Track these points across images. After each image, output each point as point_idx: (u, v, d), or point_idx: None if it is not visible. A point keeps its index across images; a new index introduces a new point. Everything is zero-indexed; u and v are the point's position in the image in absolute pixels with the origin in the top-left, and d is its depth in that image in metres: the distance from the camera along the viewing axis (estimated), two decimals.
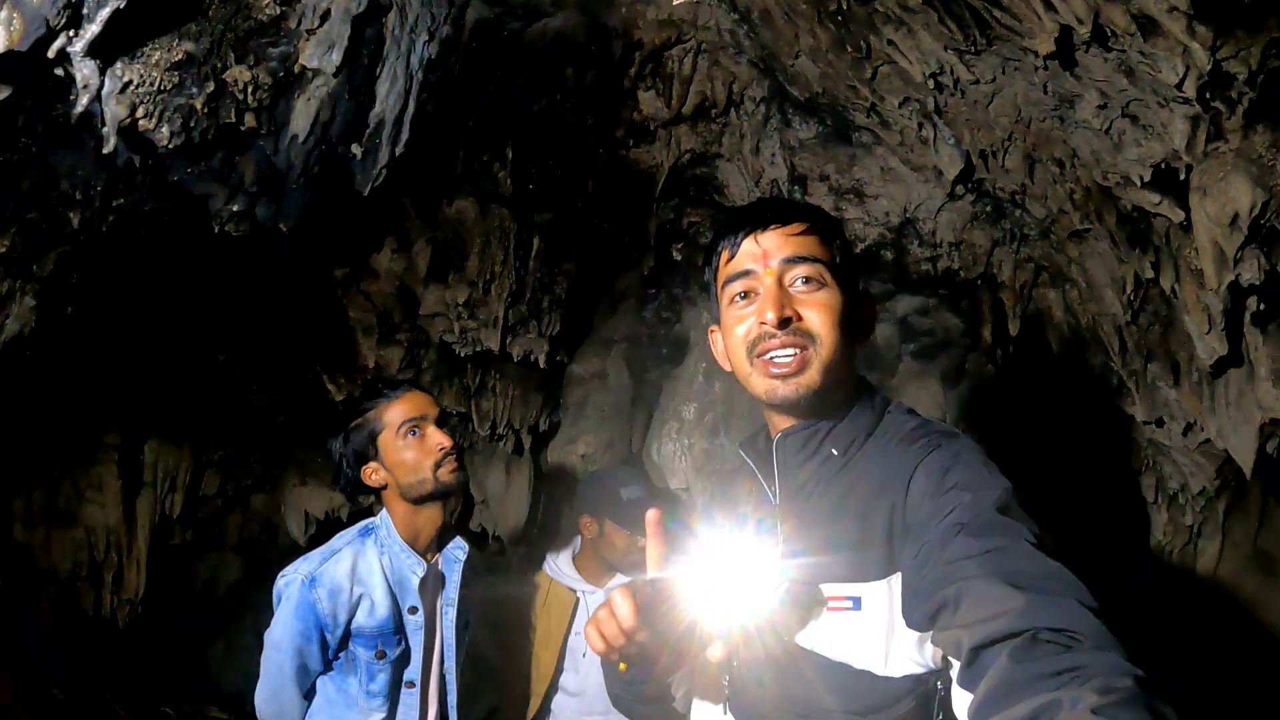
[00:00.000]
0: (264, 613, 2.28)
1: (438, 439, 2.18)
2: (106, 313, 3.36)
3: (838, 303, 1.26)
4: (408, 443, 2.16)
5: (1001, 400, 3.98)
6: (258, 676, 2.21)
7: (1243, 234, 2.61)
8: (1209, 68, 2.43)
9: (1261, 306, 2.85)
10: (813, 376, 1.23)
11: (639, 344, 5.08)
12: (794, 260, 1.25)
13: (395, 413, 2.19)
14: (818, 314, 1.24)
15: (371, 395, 2.24)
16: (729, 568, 1.10)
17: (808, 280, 1.25)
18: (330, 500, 4.71)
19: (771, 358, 1.24)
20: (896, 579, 1.14)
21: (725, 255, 1.33)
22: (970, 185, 3.72)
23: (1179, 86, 2.54)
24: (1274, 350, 2.92)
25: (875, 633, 1.13)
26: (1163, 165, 2.88)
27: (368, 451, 2.20)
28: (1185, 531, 3.72)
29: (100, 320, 3.34)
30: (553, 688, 2.76)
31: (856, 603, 1.15)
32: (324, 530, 4.76)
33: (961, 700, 0.98)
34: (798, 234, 1.27)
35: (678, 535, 1.20)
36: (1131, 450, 3.72)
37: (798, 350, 1.23)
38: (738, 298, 1.29)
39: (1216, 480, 3.54)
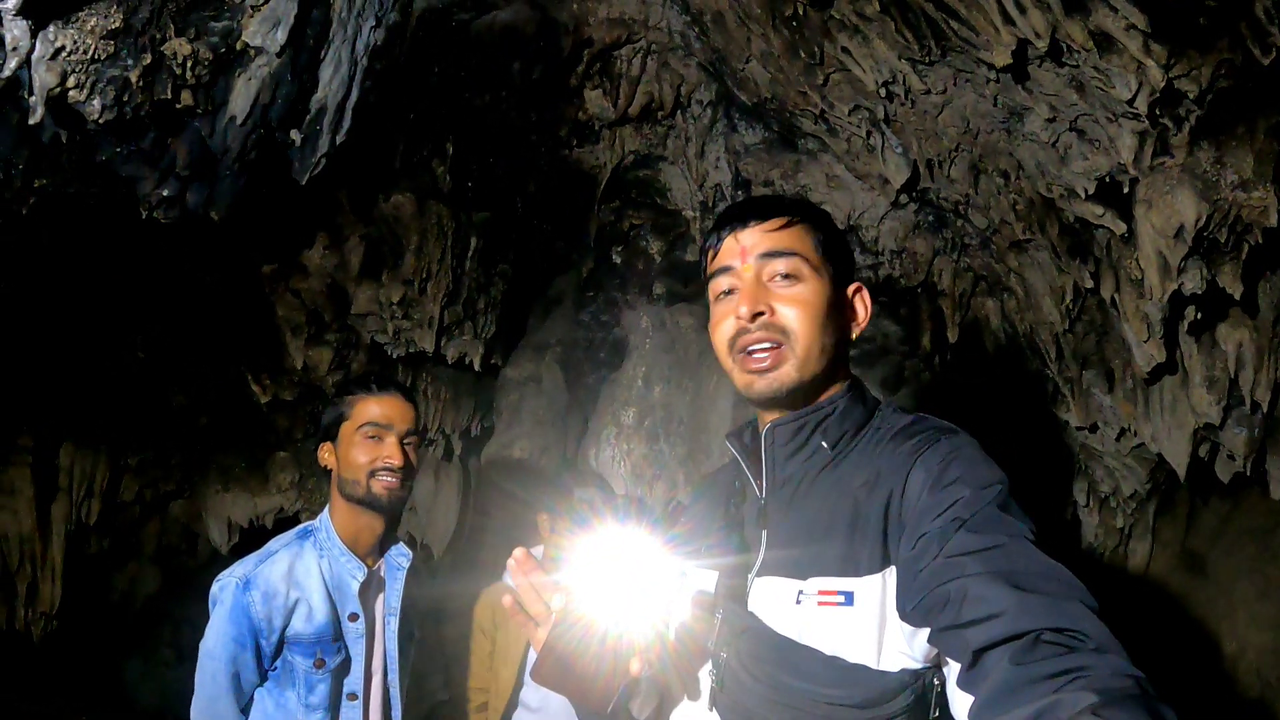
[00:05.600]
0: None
1: (388, 452, 2.11)
2: (21, 304, 3.07)
3: (816, 296, 1.24)
4: (361, 443, 2.10)
5: (939, 407, 4.05)
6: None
7: (1187, 245, 2.72)
8: (1162, 85, 2.52)
9: (1199, 316, 2.98)
10: (788, 372, 1.22)
11: (575, 348, 4.99)
12: (771, 255, 1.24)
13: (365, 410, 2.12)
14: (793, 309, 1.23)
15: (361, 382, 2.20)
16: (624, 575, 1.07)
17: (786, 275, 1.24)
18: (254, 507, 4.47)
19: (749, 353, 1.23)
20: (891, 573, 1.12)
21: (711, 253, 1.33)
22: (914, 194, 3.78)
23: (1131, 102, 2.63)
24: (1207, 358, 3.06)
25: (868, 627, 1.10)
26: (1107, 178, 2.97)
27: (330, 431, 2.16)
28: (1116, 534, 3.87)
29: (14, 312, 3.06)
30: (512, 704, 2.65)
31: (849, 598, 1.12)
32: (248, 538, 4.52)
33: (962, 702, 0.96)
34: (776, 229, 1.26)
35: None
36: (1064, 455, 3.85)
37: (773, 345, 1.22)
38: (721, 295, 1.29)
39: (1148, 484, 3.70)
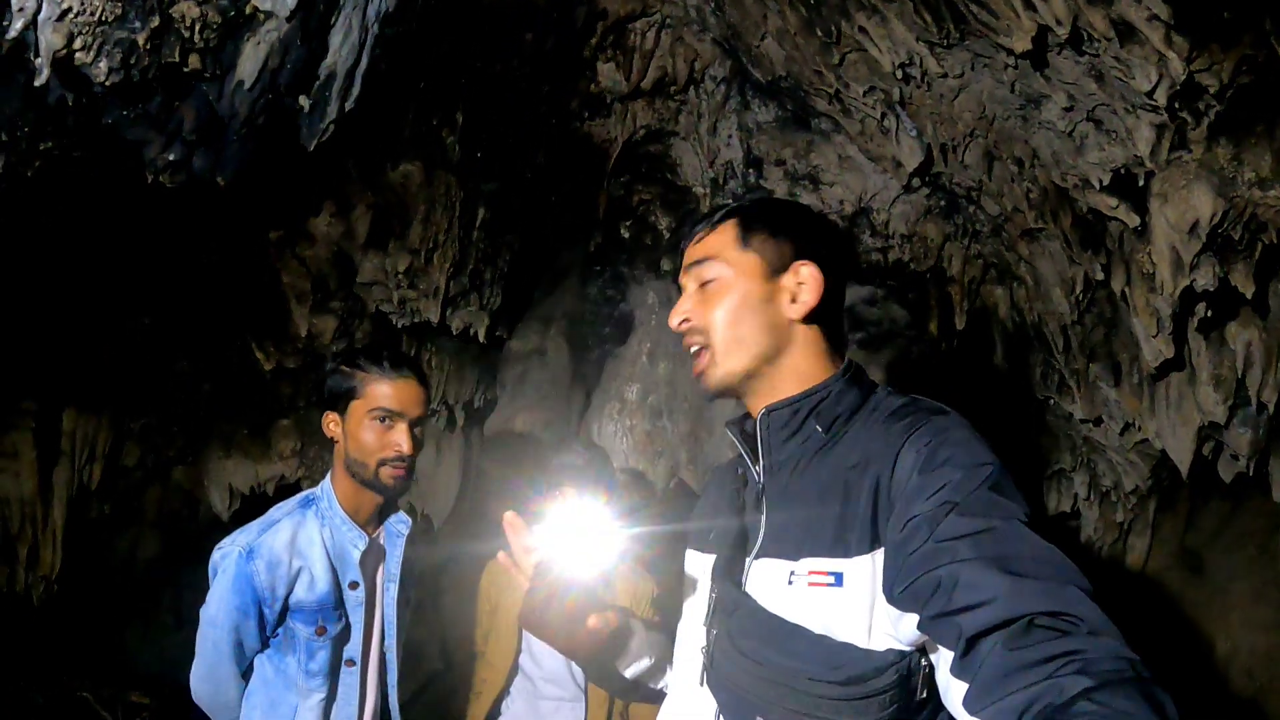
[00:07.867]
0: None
1: (398, 440, 2.06)
2: (26, 268, 3.06)
3: (728, 290, 1.28)
4: (372, 426, 2.05)
5: (944, 392, 4.04)
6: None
7: (1201, 241, 2.69)
8: (1183, 78, 2.47)
9: (1209, 313, 2.95)
10: (712, 372, 1.27)
11: (580, 322, 4.98)
12: (693, 265, 1.32)
13: (379, 392, 2.05)
14: (707, 310, 1.28)
15: (374, 357, 2.10)
16: (573, 540, 1.20)
17: (705, 280, 1.31)
18: (256, 474, 4.49)
19: (692, 359, 1.32)
20: (880, 554, 1.12)
21: None
22: (927, 179, 3.74)
23: (1150, 94, 2.58)
24: (1216, 356, 3.04)
25: (858, 608, 1.11)
26: (1123, 170, 2.94)
27: (337, 403, 2.08)
28: (1115, 528, 3.87)
29: (18, 276, 3.05)
30: (513, 670, 2.68)
31: (839, 579, 1.13)
32: (248, 505, 4.54)
33: (956, 690, 0.95)
34: (699, 240, 1.33)
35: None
36: (1067, 447, 3.83)
37: (700, 349, 1.29)
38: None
39: (1149, 480, 3.68)
